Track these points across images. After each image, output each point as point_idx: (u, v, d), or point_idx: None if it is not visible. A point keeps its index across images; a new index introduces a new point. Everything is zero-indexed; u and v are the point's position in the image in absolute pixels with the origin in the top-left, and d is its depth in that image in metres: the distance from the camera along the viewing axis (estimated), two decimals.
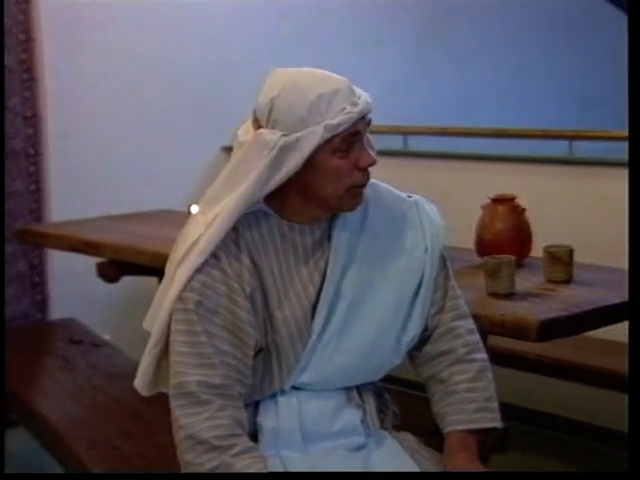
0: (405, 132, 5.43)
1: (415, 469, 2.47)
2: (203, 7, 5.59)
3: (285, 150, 2.31)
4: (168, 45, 5.45)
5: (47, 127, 4.98)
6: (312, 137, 2.30)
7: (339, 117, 2.30)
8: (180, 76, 5.47)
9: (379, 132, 4.63)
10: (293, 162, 2.32)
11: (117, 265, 4.03)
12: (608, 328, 3.30)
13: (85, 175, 5.10)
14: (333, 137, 2.31)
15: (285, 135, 2.32)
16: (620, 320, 3.21)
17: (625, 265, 3.64)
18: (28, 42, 4.88)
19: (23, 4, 4.87)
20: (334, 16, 6.24)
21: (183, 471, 2.39)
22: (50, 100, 4.98)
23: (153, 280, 3.43)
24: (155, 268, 2.53)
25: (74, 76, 5.10)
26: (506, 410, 2.66)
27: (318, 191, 2.39)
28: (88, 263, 4.19)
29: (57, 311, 5.00)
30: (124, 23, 5.30)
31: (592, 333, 3.33)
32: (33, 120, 4.94)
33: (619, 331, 3.39)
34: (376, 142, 2.50)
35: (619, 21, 8.27)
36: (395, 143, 5.37)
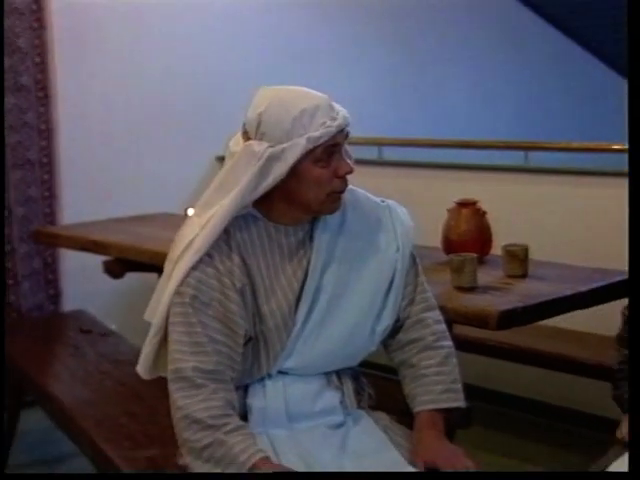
0: (380, 143, 5.45)
1: (388, 444, 2.47)
2: (201, 26, 5.61)
3: (271, 160, 2.32)
4: (168, 65, 5.45)
5: (59, 139, 4.98)
6: (296, 148, 2.30)
7: (320, 130, 2.31)
8: (180, 93, 5.47)
9: (356, 143, 4.60)
10: (279, 170, 2.32)
11: (122, 263, 4.03)
12: (560, 317, 3.30)
13: (93, 182, 5.09)
14: (315, 148, 2.32)
15: (271, 146, 2.32)
16: (570, 310, 3.25)
17: (574, 262, 3.68)
18: (43, 64, 4.89)
19: (39, 30, 4.87)
20: (317, 37, 6.25)
21: (180, 447, 2.40)
22: (62, 115, 4.98)
23: (154, 276, 3.43)
24: (155, 265, 2.53)
25: (82, 94, 5.10)
26: (469, 391, 2.66)
27: (301, 196, 2.39)
28: (96, 261, 4.18)
29: (68, 304, 5.00)
30: (127, 47, 5.29)
31: (545, 322, 3.32)
32: (47, 133, 4.93)
33: (569, 320, 3.40)
34: (353, 152, 2.50)
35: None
36: (371, 153, 5.38)
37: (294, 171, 2.34)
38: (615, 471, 2.29)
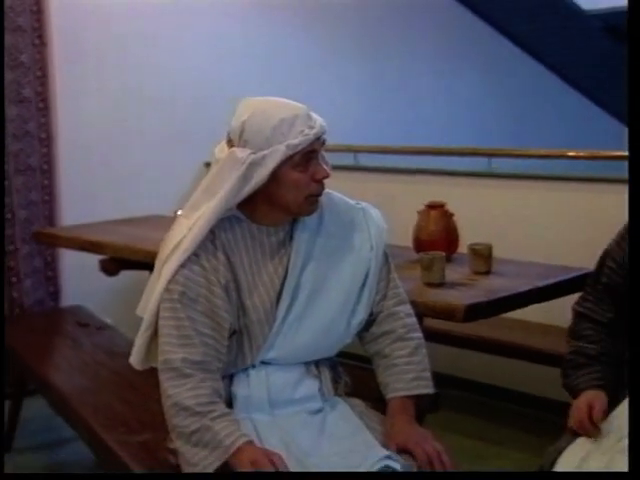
0: (356, 150, 5.44)
1: (363, 428, 2.46)
2: (191, 43, 5.61)
3: (254, 165, 2.32)
4: (161, 79, 5.43)
5: (58, 147, 4.95)
6: (276, 154, 2.31)
7: (298, 138, 2.31)
8: (171, 105, 5.45)
9: (334, 150, 4.59)
10: (260, 175, 2.33)
11: (116, 261, 4.01)
12: (521, 310, 3.30)
13: (90, 187, 5.08)
14: (293, 154, 2.32)
15: (253, 153, 2.32)
16: (529, 304, 3.26)
17: (534, 259, 3.68)
18: (43, 77, 4.87)
19: (40, 46, 4.85)
20: (297, 51, 6.26)
21: (170, 432, 2.39)
22: (61, 125, 4.96)
23: (146, 274, 3.39)
24: (148, 264, 2.53)
25: (80, 106, 5.08)
26: (438, 378, 2.65)
27: (281, 199, 2.39)
28: (92, 260, 4.16)
29: (67, 300, 4.98)
30: (122, 63, 5.27)
31: (508, 314, 3.32)
32: (47, 141, 4.91)
33: (529, 312, 3.39)
34: (331, 158, 2.50)
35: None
36: (347, 159, 5.37)
37: (274, 176, 2.34)
38: (615, 471, 2.25)
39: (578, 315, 2.76)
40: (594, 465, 2.40)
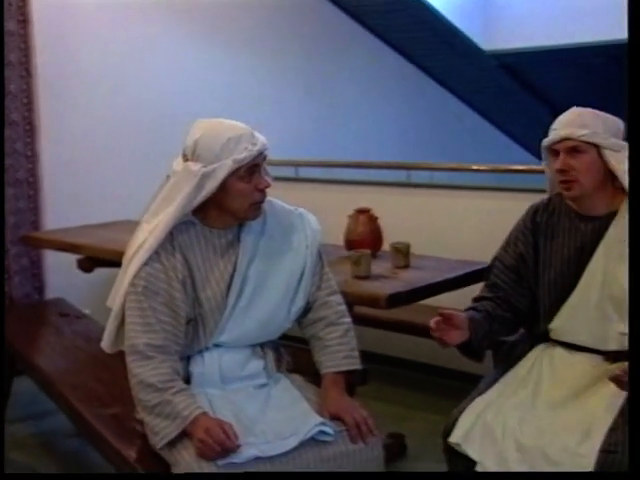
0: (296, 164, 5.43)
1: (302, 399, 2.45)
2: (153, 72, 5.56)
3: (205, 177, 2.30)
4: (130, 104, 5.38)
5: (42, 163, 4.91)
6: (224, 168, 2.29)
7: (243, 154, 2.30)
8: (137, 128, 5.40)
9: (277, 164, 4.61)
10: (211, 186, 2.31)
11: (91, 260, 3.98)
12: (434, 297, 3.29)
13: (69, 196, 5.02)
14: (239, 168, 2.31)
15: (205, 167, 2.30)
16: (441, 292, 3.27)
17: (445, 255, 3.68)
18: (29, 104, 4.83)
19: (26, 78, 4.80)
20: (247, 80, 6.22)
21: (137, 405, 2.38)
22: (44, 144, 4.91)
23: (118, 270, 3.34)
24: (118, 262, 2.49)
25: (60, 128, 5.03)
26: (365, 356, 2.64)
27: (229, 206, 2.38)
28: (71, 259, 4.11)
29: (50, 293, 4.92)
30: (97, 92, 5.22)
31: (423, 301, 3.31)
32: (32, 158, 4.86)
33: (442, 299, 3.38)
34: (274, 171, 2.51)
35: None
36: (289, 172, 5.35)
37: (223, 186, 2.32)
38: (615, 471, 2.21)
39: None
40: (489, 418, 2.43)
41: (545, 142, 2.58)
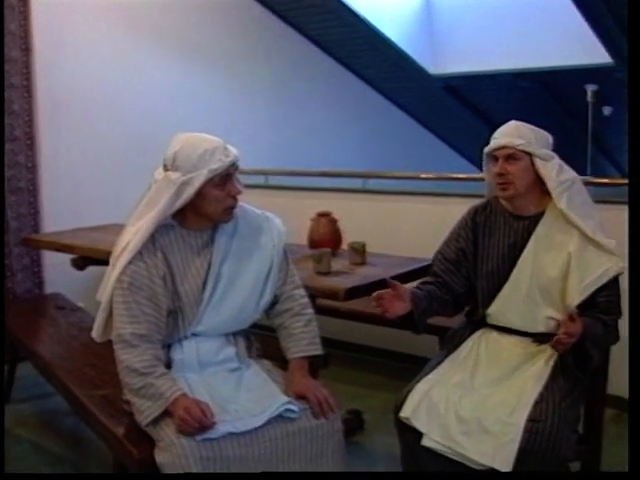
0: (266, 173, 5.38)
1: (270, 382, 2.44)
2: (140, 92, 5.52)
3: (183, 185, 2.29)
4: (119, 120, 5.33)
5: (41, 173, 4.86)
6: (200, 177, 2.28)
7: (217, 164, 2.29)
8: (125, 141, 5.35)
9: (249, 173, 4.57)
10: (189, 193, 2.30)
11: (84, 259, 3.92)
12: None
13: (65, 203, 4.97)
14: (213, 177, 2.30)
15: (183, 175, 2.29)
16: None
17: (396, 253, 3.67)
18: (30, 122, 4.76)
19: (28, 98, 4.75)
20: (221, 97, 6.17)
21: (123, 388, 2.37)
22: (43, 157, 4.86)
23: (107, 268, 3.32)
24: (108, 261, 2.46)
25: (57, 142, 4.97)
26: (327, 342, 2.63)
27: (205, 210, 2.37)
28: (67, 258, 4.04)
29: (49, 288, 4.87)
30: (90, 108, 5.17)
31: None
32: (32, 169, 4.81)
33: None
34: (246, 179, 2.51)
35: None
36: (259, 180, 5.32)
37: (199, 193, 2.31)
38: (614, 471, 2.22)
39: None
40: (434, 396, 2.45)
41: (487, 149, 2.63)
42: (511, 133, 2.57)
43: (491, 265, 2.67)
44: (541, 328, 2.59)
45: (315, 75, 7.30)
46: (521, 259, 2.61)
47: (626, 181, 4.41)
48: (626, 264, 2.27)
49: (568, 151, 2.62)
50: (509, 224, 2.67)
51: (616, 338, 2.55)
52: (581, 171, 2.69)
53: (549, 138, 2.62)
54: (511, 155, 2.55)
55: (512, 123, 2.62)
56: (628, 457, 2.05)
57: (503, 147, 2.56)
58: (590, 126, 8.84)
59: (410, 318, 2.59)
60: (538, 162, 2.55)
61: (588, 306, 2.47)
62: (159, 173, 2.37)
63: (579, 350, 2.41)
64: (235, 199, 2.38)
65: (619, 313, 2.55)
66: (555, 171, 2.54)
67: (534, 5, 7.62)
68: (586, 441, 2.63)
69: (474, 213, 2.77)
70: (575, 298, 2.45)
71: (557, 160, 2.58)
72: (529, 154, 2.54)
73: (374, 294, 2.48)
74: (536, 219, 2.62)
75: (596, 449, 2.70)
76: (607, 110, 8.67)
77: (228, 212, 2.39)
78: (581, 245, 2.51)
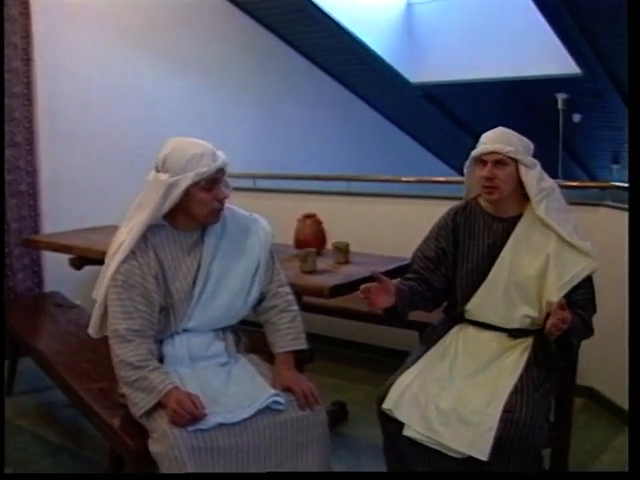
0: (254, 176, 5.35)
1: (257, 375, 2.43)
2: (135, 99, 5.48)
3: (171, 187, 2.28)
4: (116, 127, 5.30)
5: (40, 177, 4.83)
6: (187, 179, 2.27)
7: (204, 168, 2.28)
8: (120, 147, 5.32)
9: (238, 176, 4.56)
10: (176, 194, 2.29)
11: (81, 259, 3.87)
12: None
13: (63, 205, 4.94)
14: (201, 180, 2.29)
15: (172, 177, 2.28)
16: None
17: (378, 252, 3.67)
18: (30, 128, 4.72)
19: (28, 106, 4.71)
20: (212, 104, 6.16)
21: (119, 381, 2.35)
22: (42, 162, 4.83)
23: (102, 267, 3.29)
24: (104, 260, 2.44)
25: (56, 148, 4.93)
26: (312, 337, 2.63)
27: (193, 212, 2.35)
28: (65, 258, 4.01)
29: (48, 287, 4.83)
30: (87, 116, 5.14)
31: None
32: (32, 173, 4.78)
33: None
34: (235, 182, 2.50)
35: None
36: (248, 183, 5.29)
37: (187, 195, 2.30)
38: (614, 471, 2.21)
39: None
40: (414, 388, 2.45)
41: (475, 153, 2.60)
42: (500, 139, 2.55)
43: (471, 264, 2.66)
44: (516, 325, 2.59)
45: (303, 84, 7.29)
46: (500, 258, 2.61)
47: (595, 184, 4.44)
48: (626, 265, 2.26)
49: (540, 156, 2.61)
50: (489, 225, 2.67)
51: (591, 332, 2.56)
52: (553, 175, 2.69)
53: (530, 145, 2.62)
54: (499, 160, 2.54)
55: (500, 130, 2.61)
56: (628, 457, 2.03)
57: (492, 152, 2.55)
58: (561, 132, 8.88)
59: (394, 311, 2.58)
60: (522, 169, 2.55)
61: (566, 303, 2.48)
62: (151, 175, 2.36)
63: (563, 340, 2.41)
64: (221, 202, 2.36)
65: (594, 310, 2.57)
66: (536, 179, 2.55)
67: (509, 19, 7.66)
68: (557, 429, 2.63)
69: (454, 214, 2.76)
70: (553, 296, 2.46)
71: (539, 168, 2.58)
72: (515, 161, 2.54)
73: (362, 286, 2.46)
74: (515, 221, 2.62)
75: (566, 436, 2.71)
76: (577, 117, 8.70)
77: (214, 214, 2.37)
78: (558, 247, 2.52)
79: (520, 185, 2.58)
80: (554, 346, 2.44)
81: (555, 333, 2.34)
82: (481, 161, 2.59)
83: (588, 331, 2.54)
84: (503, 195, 2.58)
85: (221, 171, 2.33)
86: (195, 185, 2.28)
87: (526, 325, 2.56)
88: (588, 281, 2.54)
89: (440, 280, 2.71)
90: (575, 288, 2.50)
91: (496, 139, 2.56)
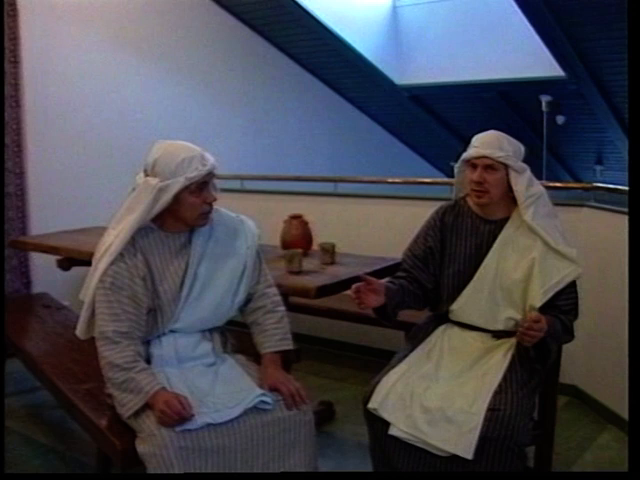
0: (242, 178, 5.35)
1: (244, 375, 2.43)
2: (124, 102, 5.49)
3: (161, 191, 2.27)
4: (105, 128, 5.30)
5: (28, 179, 4.81)
6: (177, 184, 2.26)
7: (194, 172, 2.27)
8: (109, 148, 5.32)
9: (226, 178, 4.57)
10: (166, 198, 2.28)
11: (69, 260, 3.85)
12: None
13: (51, 207, 4.93)
14: (190, 184, 2.28)
15: (161, 182, 2.27)
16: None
17: (364, 252, 3.68)
18: (18, 130, 4.71)
19: (16, 108, 4.68)
20: (200, 108, 6.17)
21: (106, 382, 2.33)
22: (30, 163, 4.82)
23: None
24: (91, 261, 2.43)
25: (44, 150, 4.93)
26: (299, 338, 2.64)
27: (182, 215, 2.35)
28: (52, 259, 3.99)
29: (36, 288, 4.82)
30: (76, 118, 5.15)
31: (346, 291, 3.29)
32: (20, 175, 4.77)
33: None
34: (224, 184, 2.50)
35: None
36: (235, 184, 5.29)
37: (177, 199, 2.29)
38: (614, 471, 2.20)
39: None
40: (400, 387, 2.45)
41: (466, 156, 2.60)
42: (492, 144, 2.54)
43: (457, 265, 2.67)
44: (500, 327, 2.60)
45: (289, 85, 7.31)
46: (486, 260, 2.61)
47: (578, 185, 4.47)
48: (626, 267, 2.26)
49: (525, 157, 2.62)
50: (476, 226, 2.67)
51: (572, 337, 2.57)
52: (537, 176, 2.70)
53: (522, 149, 2.61)
54: (490, 165, 2.53)
55: (493, 133, 2.59)
56: (628, 457, 2.01)
57: (483, 157, 2.54)
58: (545, 134, 8.92)
59: (384, 310, 2.58)
60: (512, 174, 2.54)
61: (549, 307, 2.49)
62: (140, 178, 2.35)
63: (541, 345, 2.43)
64: (210, 205, 2.36)
65: (576, 315, 2.59)
66: (525, 185, 2.54)
67: (494, 22, 7.71)
68: (541, 427, 2.65)
69: (442, 213, 2.76)
70: (537, 301, 2.47)
71: (528, 173, 2.58)
72: (506, 166, 2.54)
73: (353, 286, 2.46)
74: (502, 223, 2.63)
75: (550, 434, 2.73)
76: (560, 119, 8.75)
77: (203, 217, 2.37)
78: (544, 252, 2.53)
79: (509, 189, 2.58)
80: (532, 350, 2.46)
81: (526, 340, 2.36)
82: (472, 164, 2.59)
83: (568, 336, 2.56)
84: (492, 199, 2.58)
85: (210, 174, 2.32)
86: (185, 189, 2.27)
87: (510, 327, 2.57)
88: (572, 286, 2.55)
89: (429, 279, 2.71)
90: (559, 293, 2.51)
91: (488, 143, 2.55)
